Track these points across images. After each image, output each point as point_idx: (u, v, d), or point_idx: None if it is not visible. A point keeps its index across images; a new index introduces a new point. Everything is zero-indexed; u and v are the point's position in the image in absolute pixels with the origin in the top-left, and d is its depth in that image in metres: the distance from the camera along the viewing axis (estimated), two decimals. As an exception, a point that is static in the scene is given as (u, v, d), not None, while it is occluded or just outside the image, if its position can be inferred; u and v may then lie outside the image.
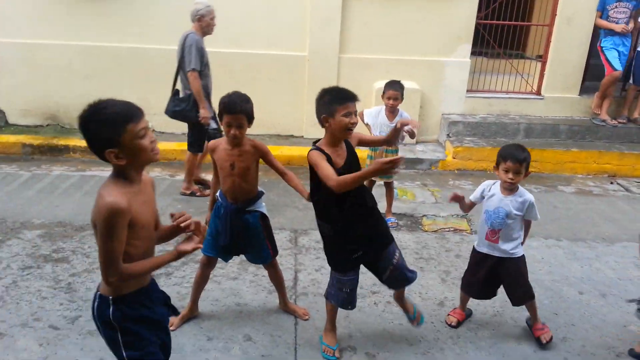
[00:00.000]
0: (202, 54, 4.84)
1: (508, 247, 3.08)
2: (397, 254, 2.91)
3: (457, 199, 3.15)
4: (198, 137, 5.00)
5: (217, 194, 3.16)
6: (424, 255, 4.20)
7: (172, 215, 2.02)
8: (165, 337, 2.19)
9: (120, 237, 1.84)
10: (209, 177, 5.41)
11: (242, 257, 3.34)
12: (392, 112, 4.51)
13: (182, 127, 5.59)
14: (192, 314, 3.25)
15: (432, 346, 3.14)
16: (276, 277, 3.32)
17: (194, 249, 2.03)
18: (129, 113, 1.84)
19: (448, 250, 4.32)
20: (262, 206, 3.16)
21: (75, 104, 6.54)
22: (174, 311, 2.28)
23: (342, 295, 2.93)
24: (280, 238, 4.29)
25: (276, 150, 5.89)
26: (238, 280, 3.71)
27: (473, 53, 6.76)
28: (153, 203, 2.06)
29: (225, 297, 3.50)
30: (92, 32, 6.40)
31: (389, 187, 4.79)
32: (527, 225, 3.17)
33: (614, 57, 6.37)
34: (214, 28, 5.02)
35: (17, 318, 3.19)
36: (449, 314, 3.39)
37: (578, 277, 3.97)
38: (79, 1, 6.30)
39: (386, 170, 2.38)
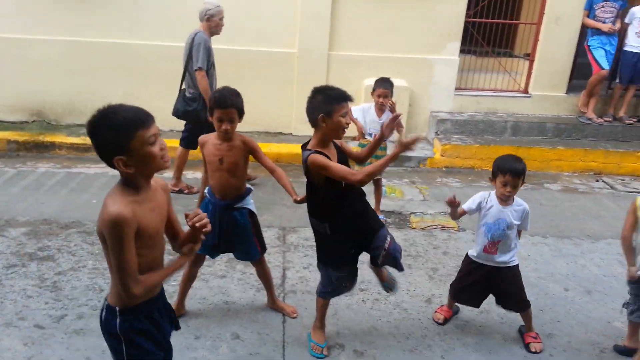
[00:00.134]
0: (209, 54, 4.88)
1: (505, 258, 3.06)
2: (389, 238, 2.87)
3: (453, 204, 3.04)
4: (194, 133, 4.98)
5: (206, 190, 3.15)
6: (411, 253, 4.22)
7: (186, 216, 1.93)
8: (167, 355, 2.14)
9: (131, 248, 1.78)
10: (197, 174, 5.39)
11: (231, 255, 3.33)
12: (381, 109, 4.52)
13: (170, 124, 5.55)
14: (179, 313, 3.22)
15: (420, 343, 3.16)
16: (264, 275, 3.32)
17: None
18: (139, 119, 1.77)
19: (436, 247, 4.34)
20: (251, 203, 3.16)
21: (61, 100, 6.54)
22: (177, 326, 2.22)
23: (341, 290, 2.97)
24: (269, 235, 4.28)
25: (265, 148, 5.82)
26: (226, 278, 3.69)
27: (462, 51, 6.78)
28: (164, 209, 1.99)
29: (213, 295, 3.49)
30: (79, 28, 6.32)
31: (377, 184, 4.80)
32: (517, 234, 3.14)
33: (601, 56, 6.43)
34: (222, 28, 5.05)
35: (1, 317, 3.15)
36: (436, 311, 3.41)
37: (563, 274, 4.02)
38: (65, -4, 6.23)
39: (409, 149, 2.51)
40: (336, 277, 2.91)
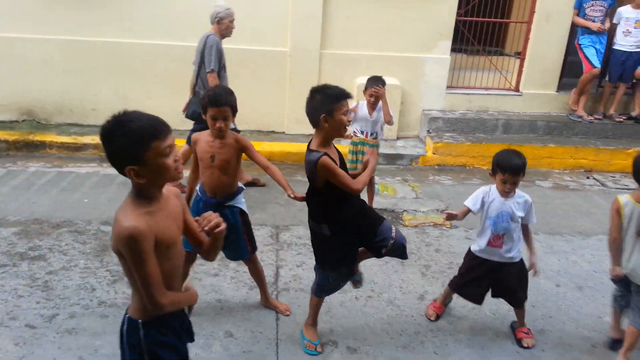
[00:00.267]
0: (220, 56, 4.91)
1: (510, 253, 3.05)
2: (394, 228, 2.91)
3: (452, 217, 3.11)
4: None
5: (197, 188, 3.14)
6: (404, 250, 4.23)
7: (197, 222, 1.87)
8: None
9: (152, 260, 1.73)
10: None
11: (222, 253, 3.32)
12: (372, 107, 4.54)
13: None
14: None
15: (413, 339, 3.17)
16: (256, 273, 3.32)
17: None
18: (155, 129, 1.70)
19: (428, 244, 4.36)
20: (242, 202, 3.15)
21: (52, 99, 6.49)
22: (191, 337, 2.15)
23: (337, 288, 2.99)
24: (262, 234, 4.28)
25: (257, 146, 5.82)
26: (219, 276, 3.69)
27: (453, 50, 6.81)
28: (179, 217, 1.92)
29: (206, 294, 3.48)
30: (71, 26, 6.27)
31: (370, 182, 4.81)
32: (526, 232, 3.09)
33: (592, 55, 6.48)
34: (233, 31, 5.08)
35: (-8, 317, 3.13)
36: (428, 307, 3.42)
37: (555, 270, 4.05)
38: (55, -6, 6.19)
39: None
40: (334, 278, 2.92)
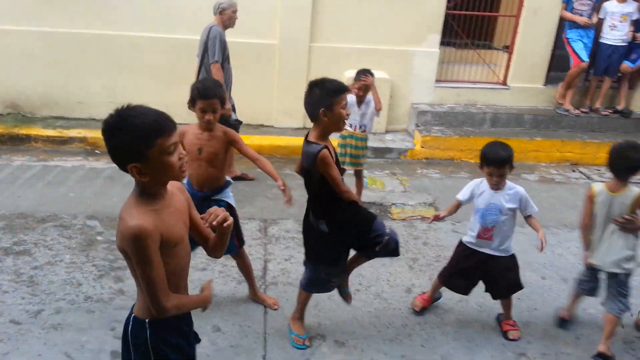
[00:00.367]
0: (224, 47, 4.88)
1: (500, 245, 3.06)
2: (388, 227, 2.93)
3: (438, 218, 3.19)
4: None
5: (185, 181, 3.12)
6: (392, 244, 4.25)
7: (203, 219, 1.82)
8: None
9: (157, 261, 1.67)
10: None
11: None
12: (361, 100, 4.54)
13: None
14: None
15: (400, 332, 3.19)
16: (244, 267, 3.31)
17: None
18: (160, 125, 1.64)
19: (416, 237, 4.38)
20: (230, 196, 3.14)
21: (37, 92, 6.41)
22: (197, 338, 2.11)
23: (328, 287, 2.98)
24: (250, 228, 4.27)
25: (246, 140, 5.76)
26: (207, 271, 3.67)
27: (441, 43, 6.81)
28: (185, 213, 1.85)
29: (194, 289, 3.39)
30: (56, 18, 6.18)
31: (359, 175, 4.81)
32: (532, 222, 3.07)
33: (580, 49, 6.52)
34: (236, 21, 5.04)
35: (-24, 313, 3.09)
36: (416, 298, 3.43)
37: (541, 263, 4.08)
38: (39, -15, 6.09)
39: None
40: (326, 274, 2.92)
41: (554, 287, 3.77)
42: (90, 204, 4.53)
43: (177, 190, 1.85)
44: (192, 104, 2.98)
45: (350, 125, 4.58)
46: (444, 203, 5.04)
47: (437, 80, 6.89)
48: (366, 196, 5.02)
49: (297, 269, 3.71)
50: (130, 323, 1.87)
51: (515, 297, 3.29)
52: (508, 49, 7.05)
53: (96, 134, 5.92)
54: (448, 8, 6.64)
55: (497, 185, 3.01)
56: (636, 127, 6.88)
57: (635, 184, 3.00)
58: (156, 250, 1.67)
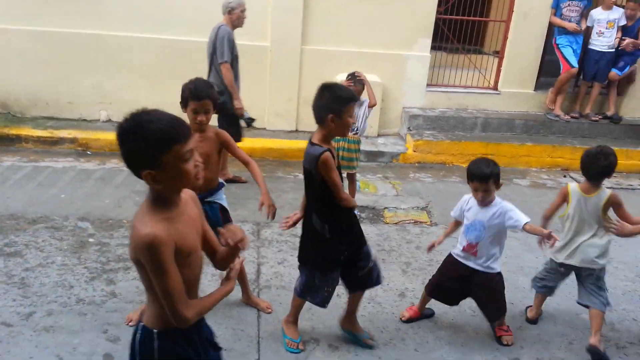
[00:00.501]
0: (232, 47, 4.88)
1: (485, 263, 3.07)
2: (374, 253, 2.99)
3: (432, 247, 3.27)
4: (233, 125, 5.01)
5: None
6: (385, 247, 4.26)
7: (221, 234, 1.77)
8: None
9: (174, 270, 1.62)
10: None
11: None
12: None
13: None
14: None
15: (394, 336, 3.20)
16: (238, 270, 3.29)
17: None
18: (177, 131, 1.59)
19: (409, 241, 4.39)
20: (223, 198, 3.13)
21: (26, 91, 6.34)
22: (216, 347, 2.04)
23: (321, 294, 2.95)
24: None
25: (238, 142, 5.82)
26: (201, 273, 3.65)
27: (433, 48, 6.85)
28: (198, 222, 1.81)
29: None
30: (46, 18, 6.13)
31: (352, 179, 4.83)
32: (529, 230, 3.02)
33: (570, 55, 6.59)
34: (245, 21, 5.04)
35: (-34, 316, 3.05)
36: (406, 309, 3.40)
37: (533, 267, 4.09)
38: (30, -16, 6.04)
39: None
40: (320, 280, 2.91)
41: (545, 291, 3.80)
42: (81, 206, 4.49)
43: (190, 199, 1.81)
44: (184, 104, 2.96)
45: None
46: (436, 207, 5.07)
47: (429, 85, 6.94)
48: (359, 200, 5.02)
49: (290, 273, 3.71)
50: (139, 332, 1.82)
51: (508, 302, 3.31)
52: (498, 53, 7.11)
53: (87, 135, 5.88)
54: (439, 12, 6.68)
55: (483, 200, 3.03)
56: (625, 132, 6.97)
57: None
58: (171, 259, 1.62)
